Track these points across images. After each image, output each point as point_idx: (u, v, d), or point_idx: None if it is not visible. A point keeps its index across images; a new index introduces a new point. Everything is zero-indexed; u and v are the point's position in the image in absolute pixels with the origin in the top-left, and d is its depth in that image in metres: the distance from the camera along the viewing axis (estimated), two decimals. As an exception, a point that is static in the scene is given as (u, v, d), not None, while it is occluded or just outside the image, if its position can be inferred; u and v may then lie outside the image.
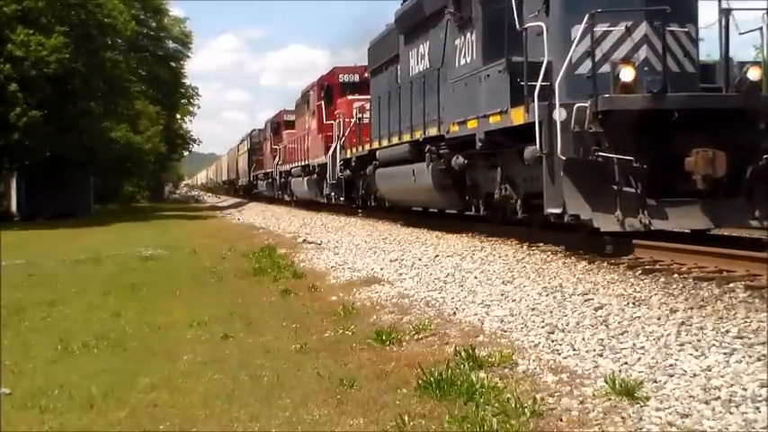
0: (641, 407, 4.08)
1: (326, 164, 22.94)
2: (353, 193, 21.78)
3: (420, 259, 10.45)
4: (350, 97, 22.33)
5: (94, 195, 37.62)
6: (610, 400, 4.22)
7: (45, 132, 28.55)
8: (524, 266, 8.83)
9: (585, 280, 7.58)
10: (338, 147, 21.82)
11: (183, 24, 54.41)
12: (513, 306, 6.85)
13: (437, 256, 10.49)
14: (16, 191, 33.30)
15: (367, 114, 19.32)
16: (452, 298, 7.60)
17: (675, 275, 7.50)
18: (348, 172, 21.05)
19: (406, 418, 4.14)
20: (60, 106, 29.50)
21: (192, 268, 12.13)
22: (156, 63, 50.52)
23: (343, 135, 21.51)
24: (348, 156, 20.84)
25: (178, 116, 59.18)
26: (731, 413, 3.86)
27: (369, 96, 19.82)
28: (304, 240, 15.08)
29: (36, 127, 27.98)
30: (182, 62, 54.68)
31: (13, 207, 33.33)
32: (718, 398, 4.05)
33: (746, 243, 8.92)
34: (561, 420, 4.01)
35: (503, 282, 8.04)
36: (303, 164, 27.95)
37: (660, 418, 3.92)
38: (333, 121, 22.70)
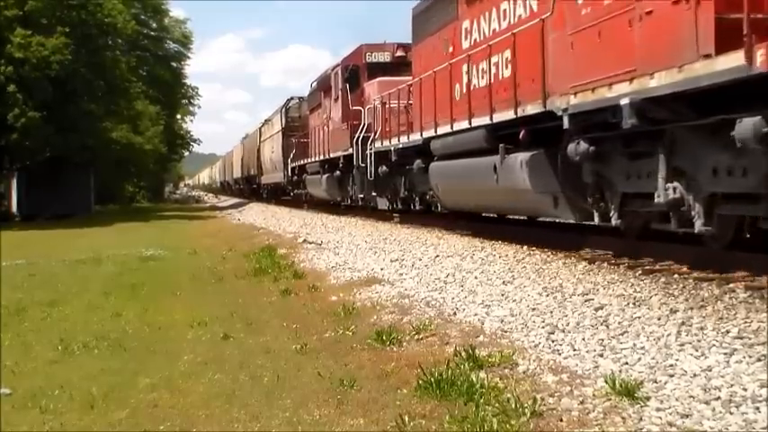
0: (641, 407, 4.08)
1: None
2: None
3: (420, 259, 10.45)
4: None
5: (95, 195, 37.63)
6: (610, 400, 4.22)
7: (45, 133, 28.61)
8: (524, 267, 8.83)
9: (586, 280, 7.58)
10: None
11: (183, 26, 54.59)
12: (513, 306, 6.85)
13: (437, 256, 10.49)
14: (17, 191, 33.31)
15: None
16: (453, 298, 7.60)
17: (676, 276, 7.49)
18: None
19: (407, 419, 4.14)
20: (61, 107, 29.52)
21: (193, 268, 12.14)
22: (156, 63, 50.60)
23: None
24: None
25: (178, 116, 59.28)
26: (731, 413, 3.86)
27: None
28: (304, 240, 15.07)
29: (36, 127, 28.02)
30: (182, 62, 54.85)
31: (14, 207, 33.35)
32: (719, 398, 4.05)
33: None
34: (561, 420, 4.01)
35: (503, 282, 8.04)
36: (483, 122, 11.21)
37: (660, 418, 3.91)
38: None
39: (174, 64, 54.10)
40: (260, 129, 40.43)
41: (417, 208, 16.67)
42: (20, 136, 28.03)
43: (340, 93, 20.85)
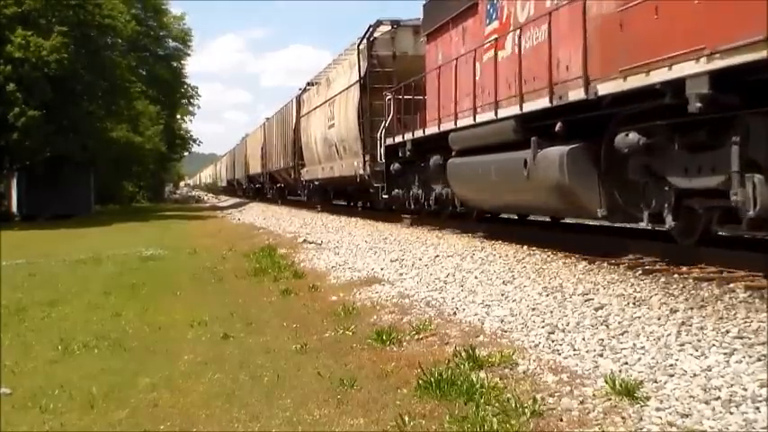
0: (641, 407, 4.08)
1: None
2: None
3: (420, 259, 10.45)
4: None
5: (95, 195, 37.65)
6: (610, 400, 4.22)
7: (45, 132, 28.64)
8: (524, 266, 8.82)
9: (586, 280, 7.57)
10: None
11: (182, 21, 54.65)
12: (513, 306, 6.85)
13: (437, 256, 10.49)
14: (17, 191, 33.33)
15: None
16: (453, 298, 7.60)
17: (675, 276, 7.49)
18: None
19: (407, 418, 4.14)
20: (61, 107, 29.56)
21: (193, 268, 12.15)
22: (156, 63, 50.66)
23: None
24: None
25: (178, 116, 59.36)
26: (731, 413, 3.86)
27: None
28: (304, 240, 15.07)
29: (36, 127, 28.07)
30: (182, 62, 54.93)
31: (14, 207, 33.36)
32: (719, 398, 4.05)
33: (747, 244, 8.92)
34: (561, 420, 4.01)
35: (503, 282, 8.04)
36: None
37: (660, 418, 3.91)
38: None
39: (173, 63, 54.17)
40: (298, 98, 27.84)
41: None
42: (20, 135, 28.06)
43: None
